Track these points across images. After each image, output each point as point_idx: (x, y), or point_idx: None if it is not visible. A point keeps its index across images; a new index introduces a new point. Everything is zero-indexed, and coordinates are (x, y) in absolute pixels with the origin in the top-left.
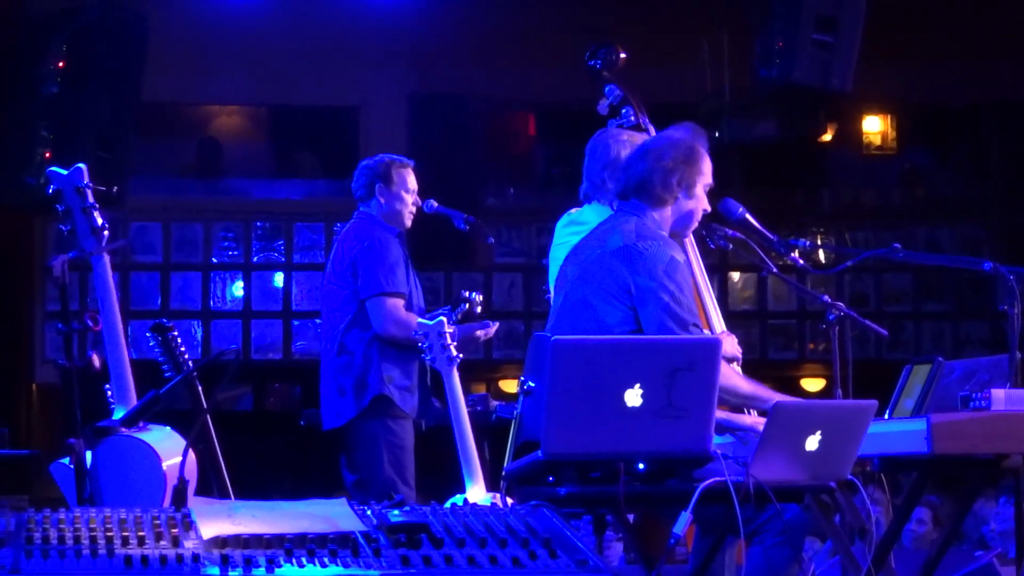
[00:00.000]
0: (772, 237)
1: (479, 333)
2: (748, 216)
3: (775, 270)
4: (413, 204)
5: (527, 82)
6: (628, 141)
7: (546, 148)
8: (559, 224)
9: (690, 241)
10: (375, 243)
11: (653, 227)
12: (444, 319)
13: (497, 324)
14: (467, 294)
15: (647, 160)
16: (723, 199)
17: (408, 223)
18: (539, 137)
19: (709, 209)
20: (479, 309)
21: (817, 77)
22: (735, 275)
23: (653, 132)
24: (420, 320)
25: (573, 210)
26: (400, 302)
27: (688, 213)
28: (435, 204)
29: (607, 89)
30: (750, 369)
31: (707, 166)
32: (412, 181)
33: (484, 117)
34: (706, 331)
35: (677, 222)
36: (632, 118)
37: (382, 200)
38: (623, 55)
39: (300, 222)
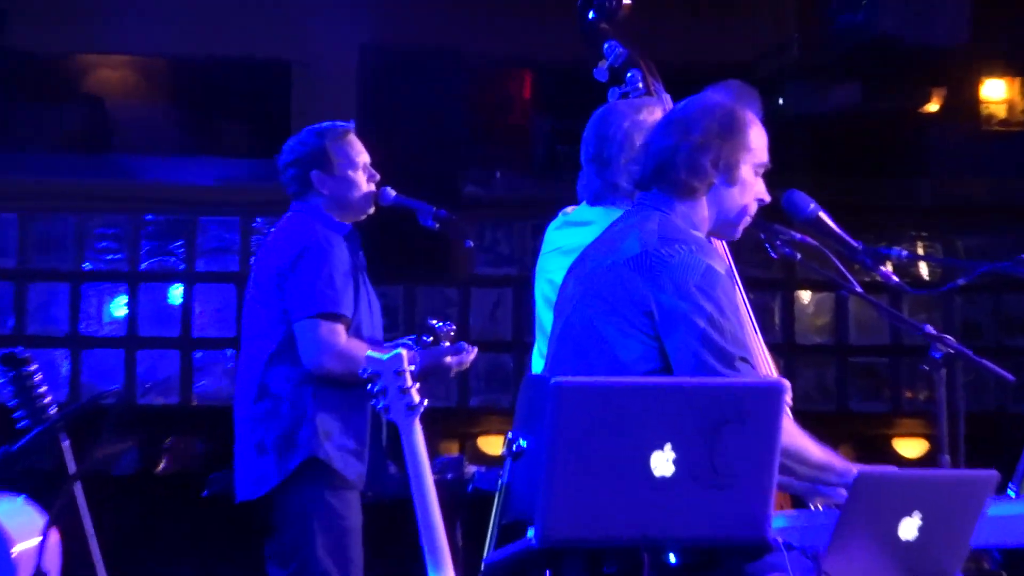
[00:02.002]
0: (855, 244)
1: (449, 361)
2: (822, 214)
3: (859, 289)
4: (369, 180)
5: (521, 31)
6: (644, 118)
7: (547, 119)
8: (551, 227)
9: (722, 247)
10: (312, 246)
11: (683, 226)
12: (403, 352)
13: (475, 350)
14: (435, 323)
15: (671, 133)
16: (788, 191)
17: (367, 207)
18: (537, 104)
19: (767, 199)
20: (447, 344)
21: (916, 27)
22: (804, 295)
23: (668, 107)
24: (370, 353)
25: (569, 208)
26: (341, 328)
27: (732, 207)
28: (393, 193)
29: (606, 47)
30: (825, 425)
31: (757, 139)
32: (358, 148)
33: (462, 77)
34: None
35: (719, 219)
36: (640, 85)
37: (324, 191)
38: (627, 1)
39: (209, 215)
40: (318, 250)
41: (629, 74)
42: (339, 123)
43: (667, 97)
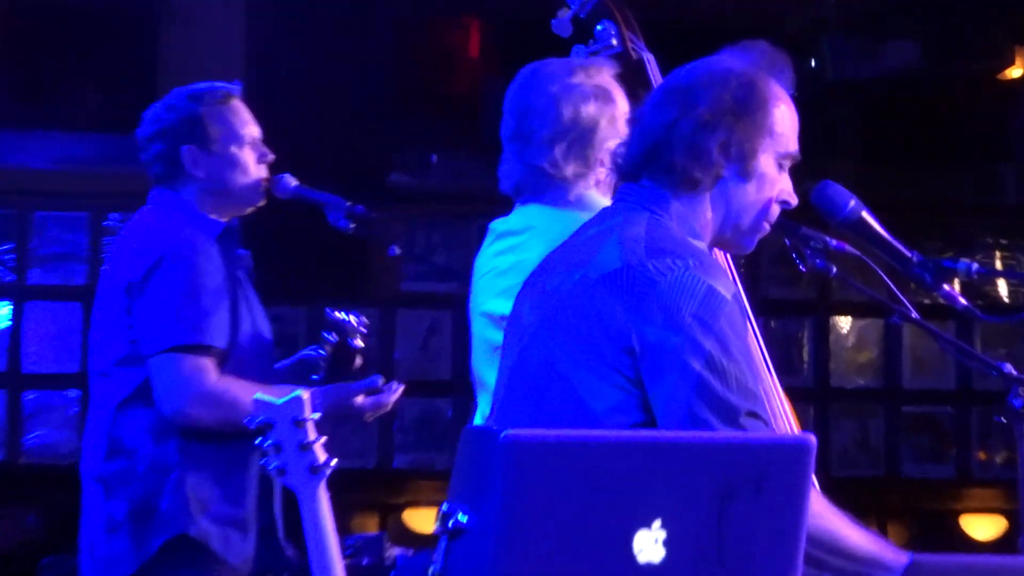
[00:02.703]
0: (910, 254)
1: (361, 402)
2: (867, 215)
3: (915, 315)
4: (259, 161)
5: None
6: (581, 82)
7: (501, 84)
8: (484, 245)
9: (728, 261)
10: (170, 252)
11: (680, 232)
12: (304, 395)
13: (400, 390)
14: (340, 315)
15: (668, 105)
16: (821, 183)
17: (256, 198)
18: (488, 65)
19: (794, 202)
20: (359, 359)
21: None
22: (842, 322)
23: (655, 74)
24: (259, 396)
25: (499, 220)
26: (210, 363)
27: (746, 208)
28: (293, 182)
29: None
30: (870, 496)
31: (784, 120)
32: (245, 118)
33: (388, 27)
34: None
35: (727, 223)
36: (613, 41)
37: (198, 173)
38: None
39: (47, 210)
40: (179, 258)
41: (599, 27)
42: (220, 84)
43: (652, 60)
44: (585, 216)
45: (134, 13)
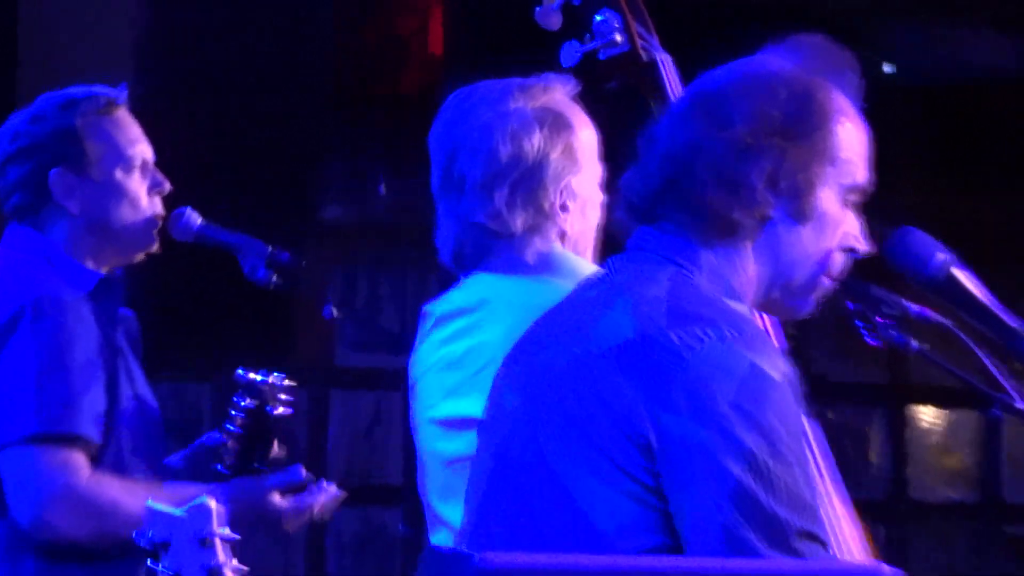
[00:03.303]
0: (1015, 323)
1: (277, 502)
2: (958, 272)
3: (1021, 405)
4: (152, 190)
5: None
6: (522, 106)
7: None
8: (422, 333)
9: (772, 328)
10: (28, 311)
11: (712, 291)
12: (211, 502)
13: (338, 495)
14: (249, 375)
15: (695, 121)
16: (901, 230)
17: (147, 240)
18: (453, 63)
19: (865, 249)
20: (277, 445)
21: None
22: (923, 414)
23: (673, 80)
24: (152, 504)
25: (438, 300)
26: (80, 458)
27: (802, 259)
28: (197, 220)
29: None
30: None
31: (851, 142)
32: (132, 134)
33: (326, 14)
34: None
35: (776, 280)
36: (616, 37)
37: (71, 207)
38: None
39: None
40: (39, 318)
41: (599, 18)
42: (101, 89)
43: (668, 62)
44: (558, 282)
45: None
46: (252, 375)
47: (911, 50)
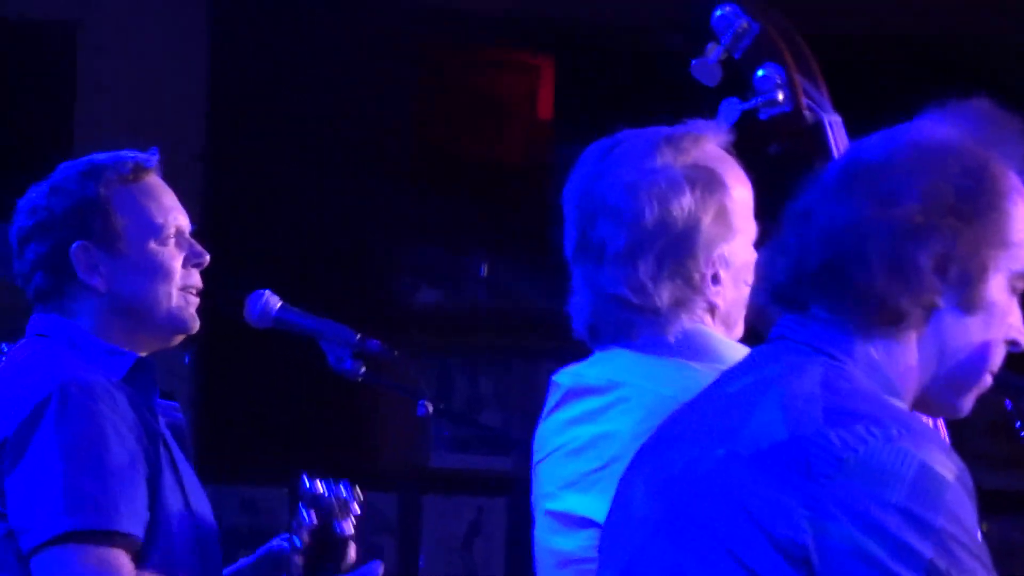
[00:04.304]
0: None
1: None
2: None
3: None
4: (190, 262)
5: None
6: (690, 168)
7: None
8: (548, 406)
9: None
10: (56, 399)
11: (870, 386)
12: None
13: None
14: (318, 489)
15: (857, 197)
16: None
17: (185, 322)
18: (566, 128)
19: None
20: (352, 552)
21: None
22: None
23: (842, 144)
24: None
25: (568, 369)
26: (121, 558)
27: (968, 349)
28: (276, 303)
29: (718, 14)
30: None
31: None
32: (166, 202)
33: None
34: None
35: (938, 373)
36: (779, 96)
37: (98, 285)
38: None
39: None
40: (68, 407)
41: (761, 72)
42: (127, 154)
43: (838, 124)
44: (701, 367)
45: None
46: (318, 486)
47: None
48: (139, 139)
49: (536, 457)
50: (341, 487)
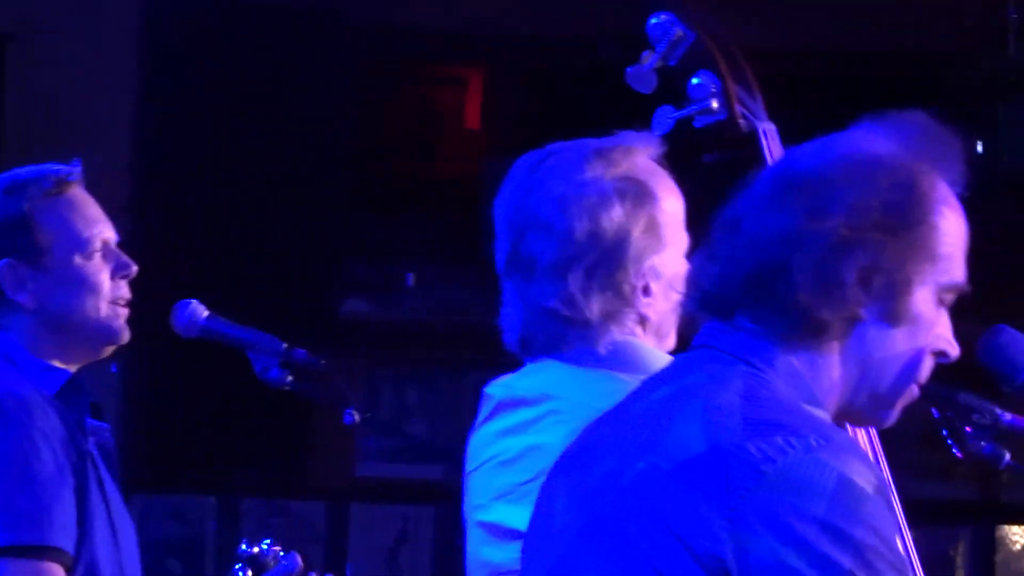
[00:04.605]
0: None
1: None
2: None
3: None
4: (117, 273)
5: None
6: (620, 179)
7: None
8: (481, 418)
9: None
10: None
11: (789, 394)
12: None
13: None
14: (250, 549)
15: (788, 209)
16: (993, 329)
17: (114, 334)
18: (494, 139)
19: (956, 353)
20: None
21: None
22: (1016, 535)
23: (777, 153)
24: None
25: (499, 380)
26: (57, 570)
27: (892, 361)
28: (203, 313)
29: (653, 22)
30: None
31: (953, 237)
32: (91, 214)
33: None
34: None
35: (861, 385)
36: (713, 104)
37: (26, 302)
38: None
39: None
40: (4, 420)
41: (695, 80)
42: (51, 167)
43: (772, 132)
44: (629, 378)
45: None
46: (248, 548)
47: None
48: (68, 150)
49: (468, 467)
50: (277, 549)
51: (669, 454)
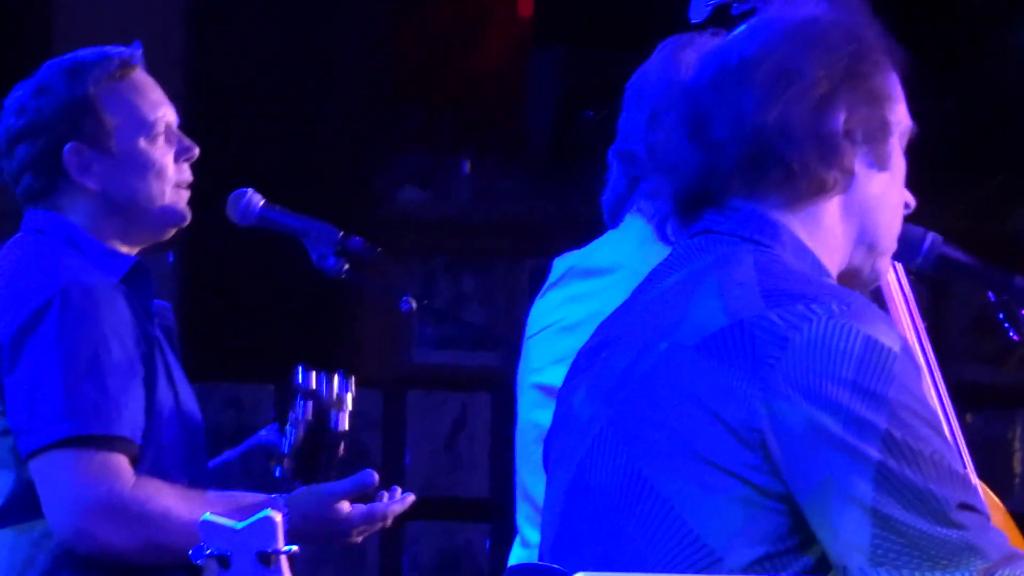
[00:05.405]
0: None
1: (347, 511)
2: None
3: None
4: (180, 157)
5: None
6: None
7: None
8: (548, 284)
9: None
10: (56, 302)
11: (802, 267)
12: (275, 516)
13: (409, 499)
14: (309, 379)
15: (756, 86)
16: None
17: (177, 217)
18: (544, 28)
19: (913, 203)
20: (342, 447)
21: None
22: None
23: None
24: (208, 517)
25: (578, 252)
26: (121, 461)
27: (886, 208)
28: (259, 202)
29: None
30: None
31: (896, 81)
32: (154, 97)
33: None
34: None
35: (861, 238)
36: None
37: (90, 184)
38: None
39: None
40: (68, 309)
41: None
42: (113, 50)
43: None
44: None
45: None
46: (312, 379)
47: None
48: (120, 40)
49: (528, 332)
50: (336, 380)
51: (690, 332)
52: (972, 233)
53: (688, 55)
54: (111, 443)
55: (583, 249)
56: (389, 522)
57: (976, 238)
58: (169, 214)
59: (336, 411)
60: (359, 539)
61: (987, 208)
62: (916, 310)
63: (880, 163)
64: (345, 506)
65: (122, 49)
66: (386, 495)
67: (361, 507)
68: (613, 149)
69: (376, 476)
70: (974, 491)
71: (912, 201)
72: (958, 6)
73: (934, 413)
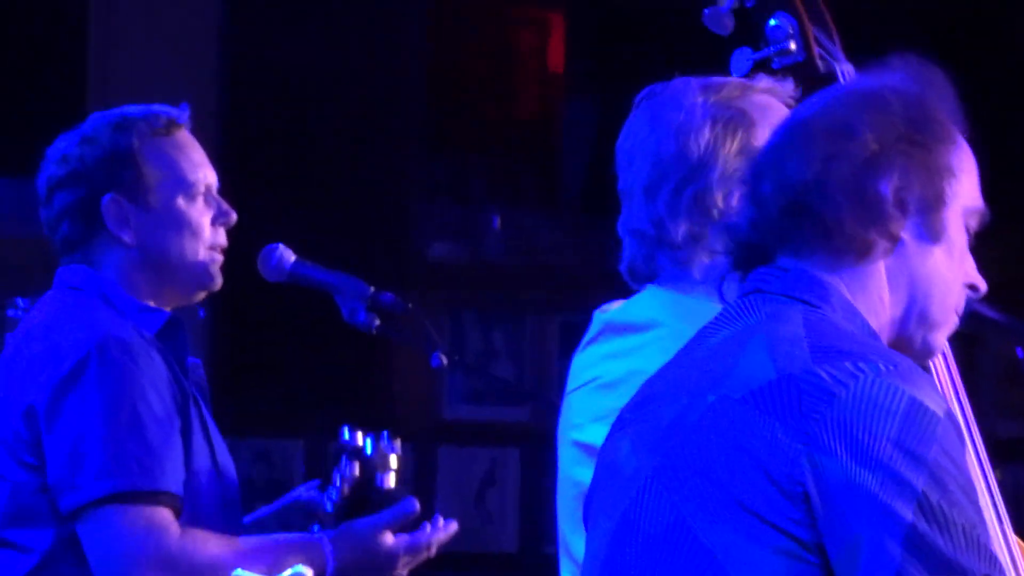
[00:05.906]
0: None
1: (391, 543)
2: None
3: None
4: (217, 220)
5: None
6: (719, 100)
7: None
8: (587, 339)
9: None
10: (94, 357)
11: (850, 325)
12: (306, 571)
13: (453, 527)
14: (355, 439)
15: (809, 146)
16: None
17: (209, 278)
18: (576, 81)
19: (982, 286)
20: (390, 481)
21: None
22: None
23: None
24: (239, 573)
25: (611, 305)
26: (166, 516)
27: (938, 281)
28: (291, 258)
29: None
30: None
31: (967, 160)
32: (196, 157)
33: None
34: None
35: (911, 307)
36: (790, 45)
37: (126, 238)
38: None
39: None
40: (107, 365)
41: (773, 22)
42: (160, 107)
43: (851, 75)
44: (716, 306)
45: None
46: (359, 438)
47: None
48: (153, 96)
49: (569, 387)
50: (382, 440)
51: (738, 385)
52: (1003, 285)
53: (697, 100)
54: (156, 497)
55: (621, 305)
56: (433, 551)
57: (1006, 291)
58: (202, 275)
59: (382, 471)
60: (404, 572)
61: (1018, 261)
62: (957, 373)
63: (933, 236)
64: (389, 537)
65: (169, 108)
66: (428, 525)
67: (405, 537)
68: (623, 226)
69: (417, 504)
70: (999, 567)
71: (982, 285)
72: None
73: (972, 484)
